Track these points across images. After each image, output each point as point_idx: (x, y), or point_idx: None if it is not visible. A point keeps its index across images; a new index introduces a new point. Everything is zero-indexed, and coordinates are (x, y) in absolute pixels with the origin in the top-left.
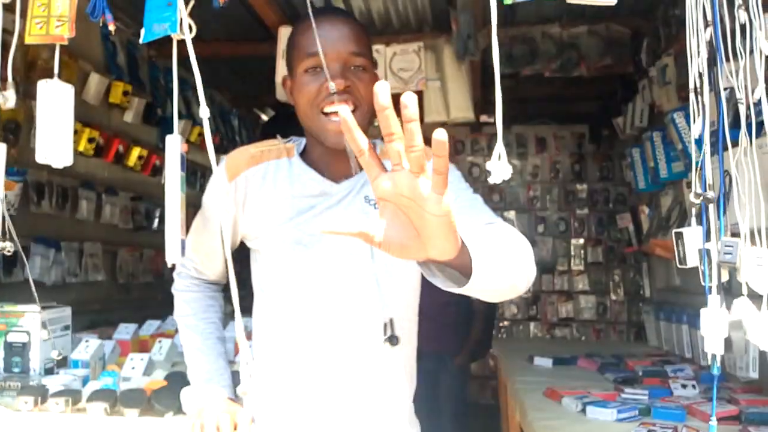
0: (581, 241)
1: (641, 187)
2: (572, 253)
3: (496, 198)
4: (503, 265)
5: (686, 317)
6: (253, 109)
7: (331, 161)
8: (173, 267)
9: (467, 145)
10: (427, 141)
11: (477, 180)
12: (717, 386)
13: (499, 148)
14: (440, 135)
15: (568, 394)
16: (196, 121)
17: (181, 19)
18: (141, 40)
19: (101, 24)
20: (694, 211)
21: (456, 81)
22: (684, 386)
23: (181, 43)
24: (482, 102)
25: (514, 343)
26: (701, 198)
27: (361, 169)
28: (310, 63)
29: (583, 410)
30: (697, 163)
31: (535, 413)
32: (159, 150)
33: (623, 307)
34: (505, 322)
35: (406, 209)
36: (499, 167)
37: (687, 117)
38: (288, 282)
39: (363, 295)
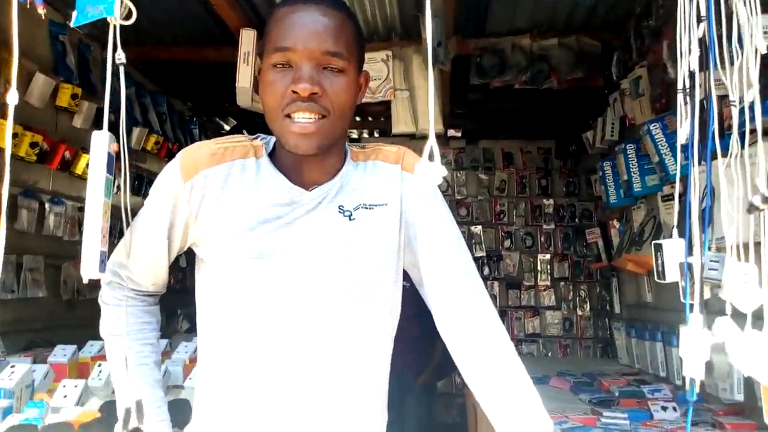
0: (548, 256)
1: (613, 201)
2: (539, 268)
3: (463, 212)
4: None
5: (660, 335)
6: (214, 118)
7: (301, 165)
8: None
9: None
10: None
11: (444, 194)
12: (697, 408)
13: (431, 140)
14: None
15: None
16: (153, 129)
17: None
18: (72, 24)
19: (28, 4)
20: (675, 222)
21: (425, 92)
22: (664, 408)
23: (139, 48)
24: (450, 115)
25: None
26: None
27: None
28: (278, 58)
29: None
30: (682, 171)
31: None
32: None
33: (589, 322)
34: None
35: None
36: (430, 169)
37: (664, 128)
38: (246, 298)
39: (331, 315)
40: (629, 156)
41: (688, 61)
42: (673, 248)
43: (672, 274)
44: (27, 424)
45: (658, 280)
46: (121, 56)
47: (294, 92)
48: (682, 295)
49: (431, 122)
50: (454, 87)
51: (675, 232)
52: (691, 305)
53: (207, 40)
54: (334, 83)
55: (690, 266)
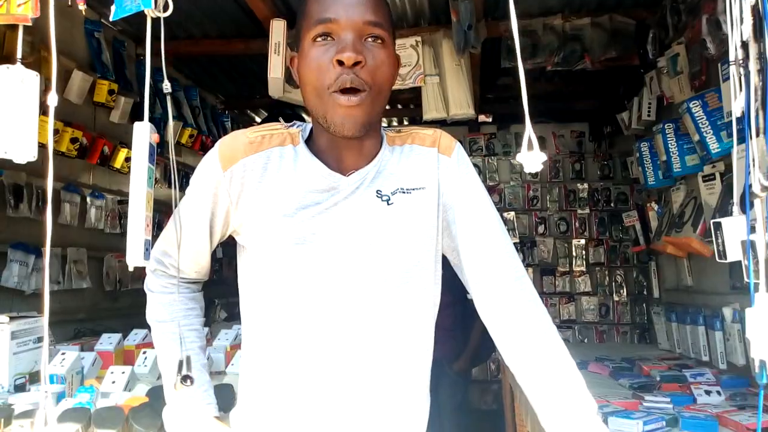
0: (582, 241)
1: (651, 183)
2: (573, 253)
3: (496, 199)
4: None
5: (702, 319)
6: (246, 110)
7: (339, 151)
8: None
9: (465, 145)
10: None
11: None
12: (744, 393)
13: (528, 131)
14: None
15: None
16: (186, 123)
17: None
18: (111, 18)
19: (69, 2)
20: (736, 199)
21: (455, 76)
22: (708, 393)
23: (171, 42)
24: (480, 100)
25: None
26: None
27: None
28: (319, 31)
29: (605, 421)
30: (729, 147)
31: None
32: None
33: (626, 308)
34: None
35: None
36: (531, 157)
37: (704, 106)
38: (287, 284)
39: (372, 298)
40: (668, 136)
41: (740, 30)
42: (734, 226)
43: (733, 254)
44: (80, 407)
45: (719, 260)
46: (167, 86)
47: (339, 62)
48: (746, 274)
49: (525, 107)
50: (484, 71)
51: (736, 209)
52: (756, 285)
53: (236, 32)
54: (376, 55)
55: (752, 244)
